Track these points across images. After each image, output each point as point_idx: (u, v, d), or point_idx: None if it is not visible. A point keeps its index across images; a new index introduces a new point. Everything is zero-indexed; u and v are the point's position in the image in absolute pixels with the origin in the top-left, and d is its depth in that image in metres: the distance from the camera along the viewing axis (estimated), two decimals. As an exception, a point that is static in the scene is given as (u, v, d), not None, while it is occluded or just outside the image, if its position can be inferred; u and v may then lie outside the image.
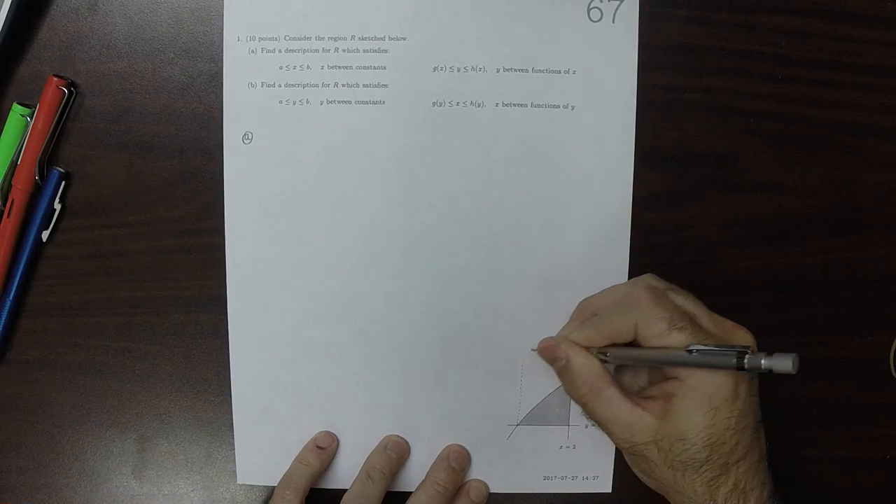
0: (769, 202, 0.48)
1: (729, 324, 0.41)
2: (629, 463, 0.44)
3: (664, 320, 0.39)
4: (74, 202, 0.48)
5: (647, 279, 0.44)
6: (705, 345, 0.38)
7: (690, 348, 0.38)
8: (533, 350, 0.47)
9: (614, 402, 0.41)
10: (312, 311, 0.48)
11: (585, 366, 0.43)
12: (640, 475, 0.43)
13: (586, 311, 0.46)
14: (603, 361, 0.43)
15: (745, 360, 0.36)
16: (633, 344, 0.42)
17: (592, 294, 0.47)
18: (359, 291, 0.48)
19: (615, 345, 0.42)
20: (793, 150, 0.48)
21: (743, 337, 0.41)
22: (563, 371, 0.44)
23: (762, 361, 0.35)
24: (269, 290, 0.48)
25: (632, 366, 0.45)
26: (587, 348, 0.43)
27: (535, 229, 0.48)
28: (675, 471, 0.40)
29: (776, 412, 0.50)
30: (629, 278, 0.48)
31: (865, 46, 0.47)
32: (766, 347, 0.49)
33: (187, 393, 0.50)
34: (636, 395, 0.42)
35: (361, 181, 0.47)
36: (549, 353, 0.45)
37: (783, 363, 0.34)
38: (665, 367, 0.41)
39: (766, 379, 0.49)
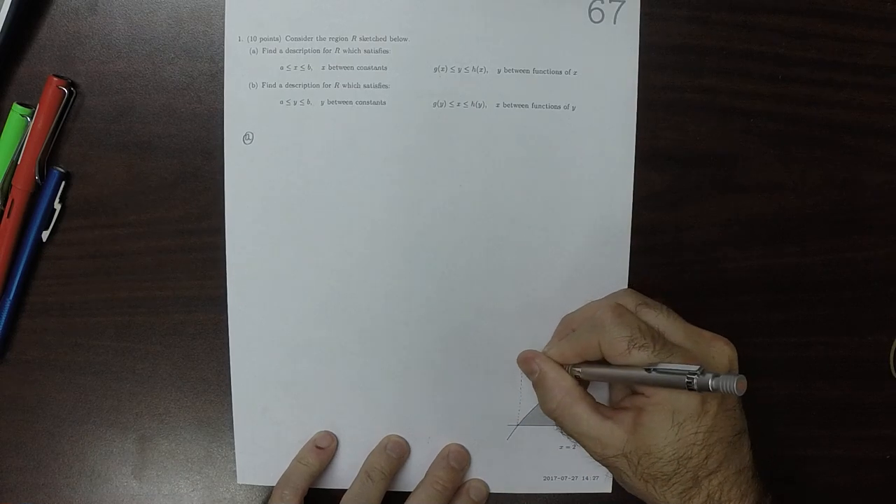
0: (769, 202, 0.48)
1: (706, 335, 0.42)
2: (610, 472, 0.44)
3: (625, 339, 0.40)
4: (74, 202, 0.48)
5: (620, 295, 0.44)
6: (668, 362, 0.39)
7: (649, 368, 0.39)
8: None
9: (584, 418, 0.42)
10: (312, 312, 0.48)
11: (557, 381, 0.43)
12: (620, 483, 0.43)
13: (566, 328, 0.47)
14: (577, 377, 0.44)
15: (694, 382, 0.36)
16: (603, 361, 0.42)
17: (574, 310, 0.47)
18: (359, 291, 0.48)
19: (587, 362, 0.43)
20: (793, 150, 0.48)
21: (720, 349, 0.41)
22: (536, 384, 0.45)
23: (710, 383, 0.35)
24: (269, 290, 0.48)
25: None
26: (562, 364, 0.44)
27: (535, 229, 0.48)
28: (647, 482, 0.40)
29: (776, 412, 0.50)
30: (629, 278, 0.48)
31: (865, 46, 0.47)
32: (768, 348, 0.49)
33: (187, 393, 0.50)
34: (609, 408, 0.43)
35: (362, 181, 0.47)
36: (525, 365, 0.46)
37: (728, 385, 0.35)
38: (627, 384, 0.42)
39: (767, 380, 0.50)
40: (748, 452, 0.41)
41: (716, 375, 0.35)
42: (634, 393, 0.42)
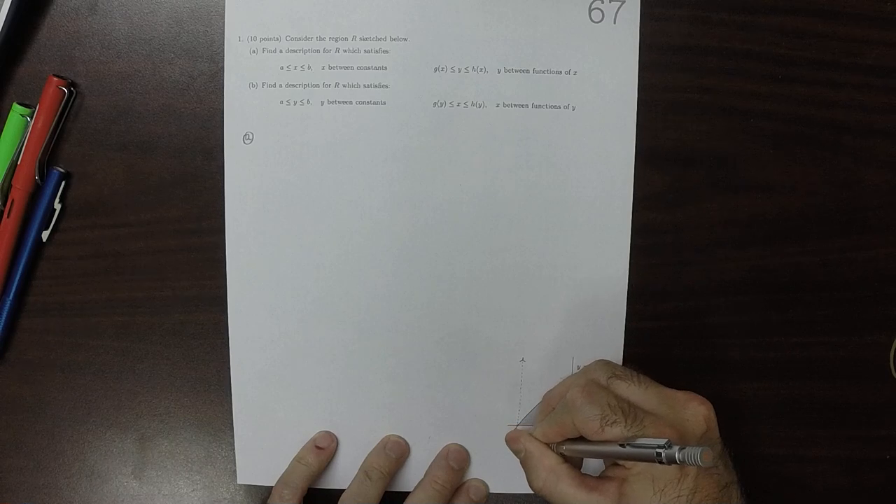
0: (769, 202, 0.48)
1: (680, 397, 0.42)
2: None
3: (597, 418, 0.40)
4: (74, 202, 0.48)
5: (592, 369, 0.44)
6: (641, 436, 0.39)
7: (622, 444, 0.39)
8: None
9: (570, 493, 0.42)
10: (312, 311, 0.48)
11: (541, 460, 0.44)
12: None
13: (547, 406, 0.48)
14: (562, 454, 0.44)
15: (663, 455, 0.37)
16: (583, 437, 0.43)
17: (553, 386, 0.48)
18: (359, 291, 0.48)
19: (570, 440, 0.43)
20: (793, 150, 0.48)
21: (695, 409, 0.41)
22: (523, 463, 0.45)
23: (676, 456, 0.36)
24: (269, 290, 0.48)
25: None
26: (548, 443, 0.45)
27: (535, 229, 0.48)
28: None
29: (776, 412, 0.50)
30: (629, 278, 0.48)
31: (865, 46, 0.47)
32: (768, 348, 0.49)
33: (187, 393, 0.50)
34: (595, 479, 0.43)
35: (362, 181, 0.47)
36: (512, 444, 0.47)
37: (693, 457, 0.35)
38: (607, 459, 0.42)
39: (767, 380, 0.50)
40: (739, 502, 0.41)
41: (681, 448, 0.36)
42: (616, 464, 0.42)
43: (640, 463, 0.40)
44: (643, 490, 0.40)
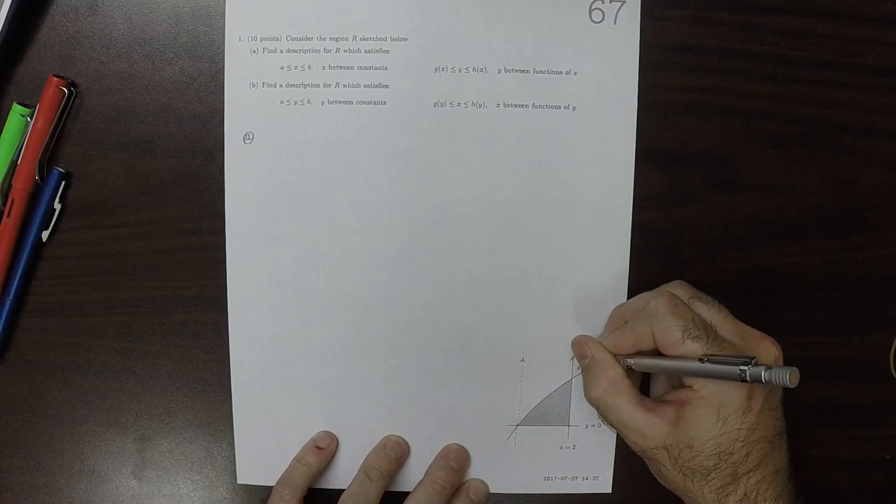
0: (769, 202, 0.48)
1: (755, 334, 0.42)
2: (648, 464, 0.44)
3: (679, 329, 0.40)
4: (74, 202, 0.48)
5: (674, 286, 0.44)
6: (719, 355, 0.39)
7: (702, 358, 0.39)
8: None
9: (627, 408, 0.42)
10: (313, 312, 0.48)
11: (605, 369, 0.44)
12: (656, 476, 0.43)
13: (618, 319, 0.47)
14: (629, 368, 0.44)
15: (747, 373, 0.36)
16: (656, 352, 0.42)
17: (625, 302, 0.47)
18: (359, 291, 0.48)
19: (640, 353, 0.43)
20: (793, 150, 0.48)
21: (767, 348, 0.41)
22: (585, 370, 0.45)
23: (762, 374, 0.36)
24: (269, 290, 0.48)
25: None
26: (615, 354, 0.44)
27: (535, 229, 0.48)
28: (685, 476, 0.40)
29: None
30: (629, 278, 0.48)
31: (865, 46, 0.47)
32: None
33: (187, 393, 0.50)
34: (653, 401, 0.43)
35: (362, 181, 0.47)
36: (578, 348, 0.47)
37: (781, 377, 0.35)
38: (680, 375, 0.42)
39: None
40: (786, 454, 0.41)
41: (768, 367, 0.36)
42: (679, 387, 0.42)
43: (707, 386, 0.40)
44: (705, 416, 0.40)
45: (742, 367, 0.37)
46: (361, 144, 0.47)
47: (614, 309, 0.48)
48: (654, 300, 0.42)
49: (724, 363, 0.38)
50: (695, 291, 0.43)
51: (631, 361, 0.44)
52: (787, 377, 0.35)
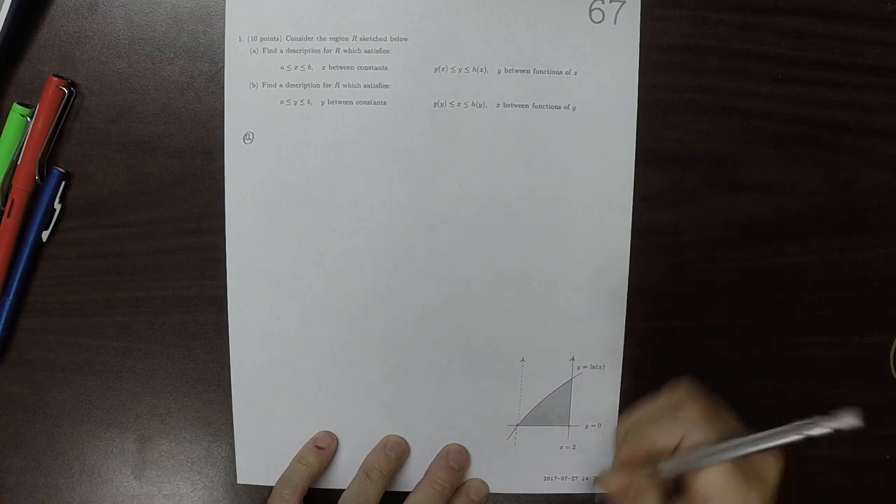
0: (769, 202, 0.48)
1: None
2: None
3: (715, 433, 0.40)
4: (74, 202, 0.48)
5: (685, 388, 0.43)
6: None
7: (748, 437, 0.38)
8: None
9: None
10: (313, 312, 0.48)
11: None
12: None
13: (625, 432, 0.45)
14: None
15: (814, 427, 0.35)
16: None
17: (629, 415, 0.46)
18: (359, 291, 0.48)
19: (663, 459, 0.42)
20: (793, 150, 0.48)
21: (773, 461, 0.40)
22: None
23: (827, 422, 0.35)
24: (269, 290, 0.48)
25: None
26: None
27: (535, 229, 0.48)
28: None
29: (776, 412, 0.50)
30: (629, 278, 0.48)
31: (865, 46, 0.47)
32: (768, 348, 0.49)
33: (187, 393, 0.50)
34: None
35: (362, 181, 0.47)
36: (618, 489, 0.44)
37: (845, 416, 0.34)
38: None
39: (769, 379, 0.50)
40: None
41: (829, 416, 0.35)
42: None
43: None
44: None
45: (808, 423, 0.36)
46: (361, 144, 0.47)
47: (620, 423, 0.47)
48: (686, 408, 0.41)
49: (779, 432, 0.37)
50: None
51: (666, 467, 0.41)
52: (850, 416, 0.34)
